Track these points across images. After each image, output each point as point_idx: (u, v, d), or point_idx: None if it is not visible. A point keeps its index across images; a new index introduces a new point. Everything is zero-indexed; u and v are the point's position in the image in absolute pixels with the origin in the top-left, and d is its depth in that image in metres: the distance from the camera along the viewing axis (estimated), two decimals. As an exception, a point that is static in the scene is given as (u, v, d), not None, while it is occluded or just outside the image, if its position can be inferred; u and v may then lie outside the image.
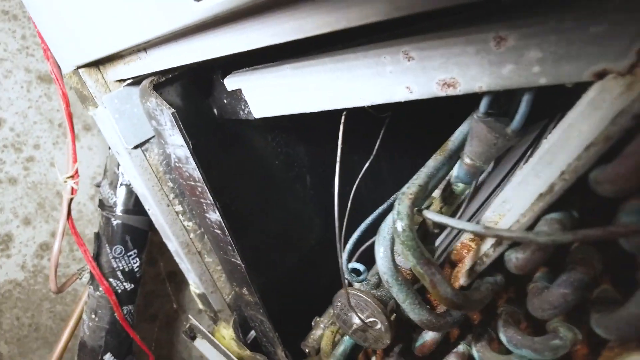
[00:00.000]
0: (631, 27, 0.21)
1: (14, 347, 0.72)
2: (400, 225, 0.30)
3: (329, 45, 0.36)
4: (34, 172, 0.72)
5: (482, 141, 0.30)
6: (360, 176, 0.61)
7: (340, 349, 0.50)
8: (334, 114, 0.44)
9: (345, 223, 0.49)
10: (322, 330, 0.56)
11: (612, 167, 0.22)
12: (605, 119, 0.23)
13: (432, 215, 0.29)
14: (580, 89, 0.25)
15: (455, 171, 0.33)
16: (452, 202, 0.34)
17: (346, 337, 0.50)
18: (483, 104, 0.30)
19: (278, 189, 0.60)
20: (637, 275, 0.26)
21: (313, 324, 0.60)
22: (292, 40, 0.25)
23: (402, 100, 0.31)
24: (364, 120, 0.54)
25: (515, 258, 0.28)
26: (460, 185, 0.33)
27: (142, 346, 0.66)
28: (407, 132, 0.71)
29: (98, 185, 0.68)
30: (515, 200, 0.29)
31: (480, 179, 0.46)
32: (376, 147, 0.61)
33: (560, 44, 0.24)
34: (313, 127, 0.60)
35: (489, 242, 0.32)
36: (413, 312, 0.33)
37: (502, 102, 0.31)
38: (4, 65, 0.68)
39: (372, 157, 0.63)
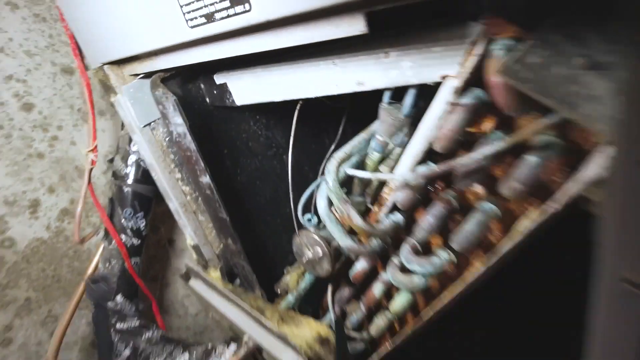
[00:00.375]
0: (455, 49, 0.35)
1: (39, 294, 0.87)
2: (329, 178, 0.44)
3: (289, 53, 0.50)
4: (57, 149, 0.86)
5: (385, 122, 0.44)
6: (327, 155, 0.75)
7: (302, 285, 0.64)
8: (304, 108, 0.58)
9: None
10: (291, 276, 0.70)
11: (436, 134, 0.36)
12: (439, 105, 0.37)
13: (348, 170, 0.43)
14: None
15: (372, 144, 0.47)
16: (370, 165, 0.48)
17: (307, 275, 0.64)
18: (385, 96, 0.44)
19: (259, 163, 0.74)
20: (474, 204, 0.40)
21: (285, 272, 0.74)
22: (255, 52, 0.39)
23: (333, 93, 0.45)
24: (332, 111, 0.68)
25: (399, 198, 0.42)
26: (376, 154, 0.47)
27: (146, 291, 0.80)
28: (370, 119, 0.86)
29: (111, 161, 0.82)
30: (407, 159, 0.43)
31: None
32: (340, 130, 0.76)
33: (421, 57, 0.38)
34: (288, 116, 0.74)
35: (388, 189, 0.46)
36: (341, 240, 0.47)
37: (401, 94, 0.45)
38: (35, 59, 0.81)
39: (337, 139, 0.77)
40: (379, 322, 0.58)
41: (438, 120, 0.36)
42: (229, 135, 0.67)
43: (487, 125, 0.34)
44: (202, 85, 0.61)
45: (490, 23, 0.30)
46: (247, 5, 0.30)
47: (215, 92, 0.60)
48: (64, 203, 0.88)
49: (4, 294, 0.81)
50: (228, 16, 0.32)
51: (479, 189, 0.38)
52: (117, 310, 0.76)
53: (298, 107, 0.52)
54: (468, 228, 0.38)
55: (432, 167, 0.36)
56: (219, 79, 0.57)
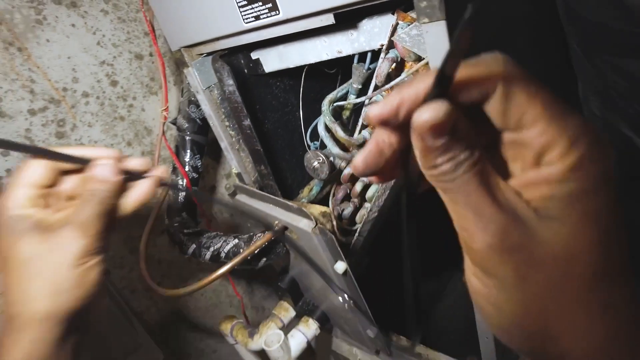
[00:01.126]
0: (384, 29, 0.65)
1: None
2: (324, 109, 0.75)
3: (299, 35, 0.81)
4: (132, 114, 1.19)
5: (355, 75, 0.74)
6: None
7: (313, 190, 0.96)
8: (310, 78, 0.89)
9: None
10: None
11: (377, 74, 0.66)
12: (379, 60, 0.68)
13: (336, 104, 0.75)
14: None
15: (350, 90, 0.78)
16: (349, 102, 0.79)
17: (314, 182, 0.96)
18: (355, 59, 0.75)
19: (279, 116, 1.05)
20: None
21: (299, 192, 1.06)
22: (279, 35, 0.70)
23: (324, 59, 0.76)
24: (329, 78, 0.99)
25: (363, 115, 0.73)
26: (352, 96, 0.78)
27: (201, 210, 1.14)
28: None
29: (173, 122, 1.14)
30: (369, 92, 0.74)
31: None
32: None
33: (369, 34, 0.68)
34: (298, 84, 1.05)
35: (361, 117, 0.77)
36: (333, 149, 0.78)
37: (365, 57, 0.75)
38: (118, 49, 1.14)
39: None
40: (362, 212, 0.89)
41: (378, 68, 0.67)
42: (259, 96, 0.99)
43: (401, 67, 0.65)
44: (242, 60, 0.92)
45: (398, 14, 0.61)
46: (278, 11, 0.62)
47: (251, 64, 0.92)
48: (137, 154, 1.21)
49: (101, 217, 1.15)
50: (267, 16, 0.64)
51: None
52: (183, 222, 1.09)
53: (304, 71, 0.83)
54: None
55: (375, 92, 0.67)
56: (254, 55, 0.88)
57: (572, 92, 0.71)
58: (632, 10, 0.43)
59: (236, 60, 0.92)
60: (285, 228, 0.88)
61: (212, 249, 0.98)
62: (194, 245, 1.02)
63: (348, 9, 0.56)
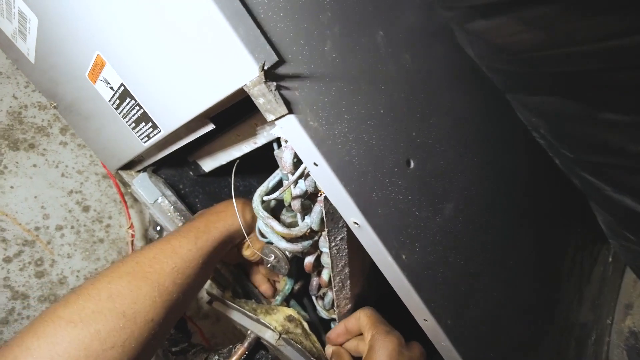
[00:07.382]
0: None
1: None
2: (255, 205, 0.67)
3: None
4: (111, 233, 1.18)
5: (279, 160, 0.67)
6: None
7: (286, 287, 0.86)
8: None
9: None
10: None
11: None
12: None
13: (265, 197, 0.67)
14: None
15: (282, 177, 0.70)
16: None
17: (287, 280, 0.86)
18: (275, 146, 0.67)
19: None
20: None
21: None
22: (183, 145, 0.65)
23: (247, 151, 0.69)
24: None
25: (295, 205, 0.64)
26: (287, 182, 0.70)
27: (191, 321, 1.06)
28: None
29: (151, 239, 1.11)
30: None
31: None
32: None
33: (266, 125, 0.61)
34: (257, 170, 0.99)
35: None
36: (280, 244, 0.69)
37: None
38: (84, 174, 1.15)
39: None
40: (341, 300, 0.78)
41: (283, 158, 0.59)
42: (214, 193, 0.93)
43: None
44: (185, 165, 0.88)
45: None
46: (159, 129, 0.56)
47: (193, 166, 0.87)
48: (125, 271, 1.18)
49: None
50: (155, 134, 0.59)
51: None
52: (172, 340, 1.02)
53: (235, 164, 0.77)
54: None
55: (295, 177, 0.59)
56: (190, 158, 0.84)
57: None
58: (501, 48, 0.33)
59: (179, 165, 0.88)
60: (257, 338, 0.78)
61: (195, 368, 0.89)
62: (181, 366, 0.94)
63: (217, 111, 0.50)
